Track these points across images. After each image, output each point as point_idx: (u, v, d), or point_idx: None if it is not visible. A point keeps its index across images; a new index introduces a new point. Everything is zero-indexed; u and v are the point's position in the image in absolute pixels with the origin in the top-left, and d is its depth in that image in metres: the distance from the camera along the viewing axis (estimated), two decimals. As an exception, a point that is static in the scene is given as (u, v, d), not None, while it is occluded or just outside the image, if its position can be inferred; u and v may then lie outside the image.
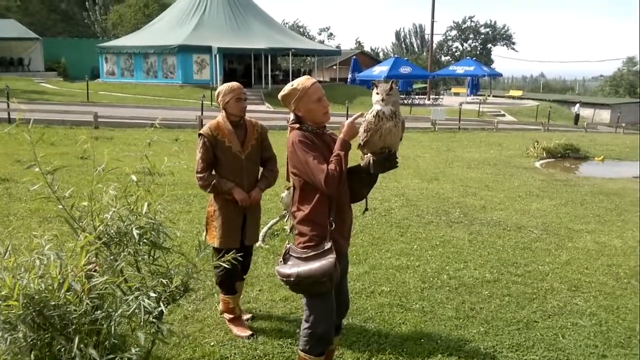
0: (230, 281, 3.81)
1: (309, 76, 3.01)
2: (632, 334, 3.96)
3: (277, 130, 13.79)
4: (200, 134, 3.69)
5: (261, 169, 3.89)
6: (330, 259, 2.72)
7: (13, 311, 2.16)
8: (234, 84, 3.77)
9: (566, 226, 6.87)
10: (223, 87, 3.74)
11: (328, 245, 2.76)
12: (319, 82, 3.44)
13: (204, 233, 3.85)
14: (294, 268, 2.78)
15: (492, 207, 7.76)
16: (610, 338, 3.90)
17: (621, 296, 4.67)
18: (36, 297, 2.19)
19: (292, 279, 2.78)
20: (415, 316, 4.13)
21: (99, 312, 2.33)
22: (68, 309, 2.25)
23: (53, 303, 2.22)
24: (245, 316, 4.02)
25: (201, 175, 3.64)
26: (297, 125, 2.87)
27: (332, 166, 2.71)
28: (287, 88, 2.89)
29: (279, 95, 2.93)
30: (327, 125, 2.98)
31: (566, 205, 8.10)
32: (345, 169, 2.76)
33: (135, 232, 2.48)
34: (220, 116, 3.74)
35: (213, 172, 3.69)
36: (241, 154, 3.70)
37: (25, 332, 2.24)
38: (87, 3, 46.88)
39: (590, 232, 6.63)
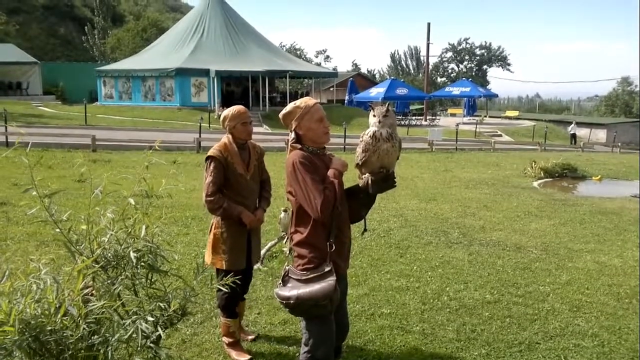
0: (233, 304, 3.78)
1: (311, 97, 3.03)
2: (635, 355, 3.91)
3: (274, 151, 13.83)
4: (210, 157, 3.66)
5: None
6: (330, 281, 2.70)
7: (9, 337, 2.13)
8: (240, 108, 3.77)
9: (566, 246, 6.85)
10: (229, 112, 3.73)
11: (328, 267, 2.74)
12: (317, 103, 3.47)
13: (206, 257, 3.79)
14: (293, 290, 2.76)
15: (491, 228, 7.75)
16: (612, 359, 3.86)
17: (623, 316, 4.63)
18: (32, 322, 2.16)
19: (291, 302, 2.75)
20: (415, 338, 4.08)
21: (95, 337, 2.30)
22: (64, 334, 2.22)
23: (49, 328, 2.19)
24: (250, 336, 4.00)
25: (211, 198, 3.60)
26: (299, 146, 2.87)
27: (327, 192, 2.71)
28: (290, 106, 2.90)
29: (281, 114, 2.94)
30: (326, 146, 2.99)
31: (565, 225, 8.08)
32: (339, 195, 2.77)
33: (132, 255, 2.46)
34: (226, 138, 3.75)
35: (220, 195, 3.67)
36: (246, 175, 3.74)
37: (21, 357, 2.21)
38: (85, 28, 47.43)
39: (590, 252, 6.61)
